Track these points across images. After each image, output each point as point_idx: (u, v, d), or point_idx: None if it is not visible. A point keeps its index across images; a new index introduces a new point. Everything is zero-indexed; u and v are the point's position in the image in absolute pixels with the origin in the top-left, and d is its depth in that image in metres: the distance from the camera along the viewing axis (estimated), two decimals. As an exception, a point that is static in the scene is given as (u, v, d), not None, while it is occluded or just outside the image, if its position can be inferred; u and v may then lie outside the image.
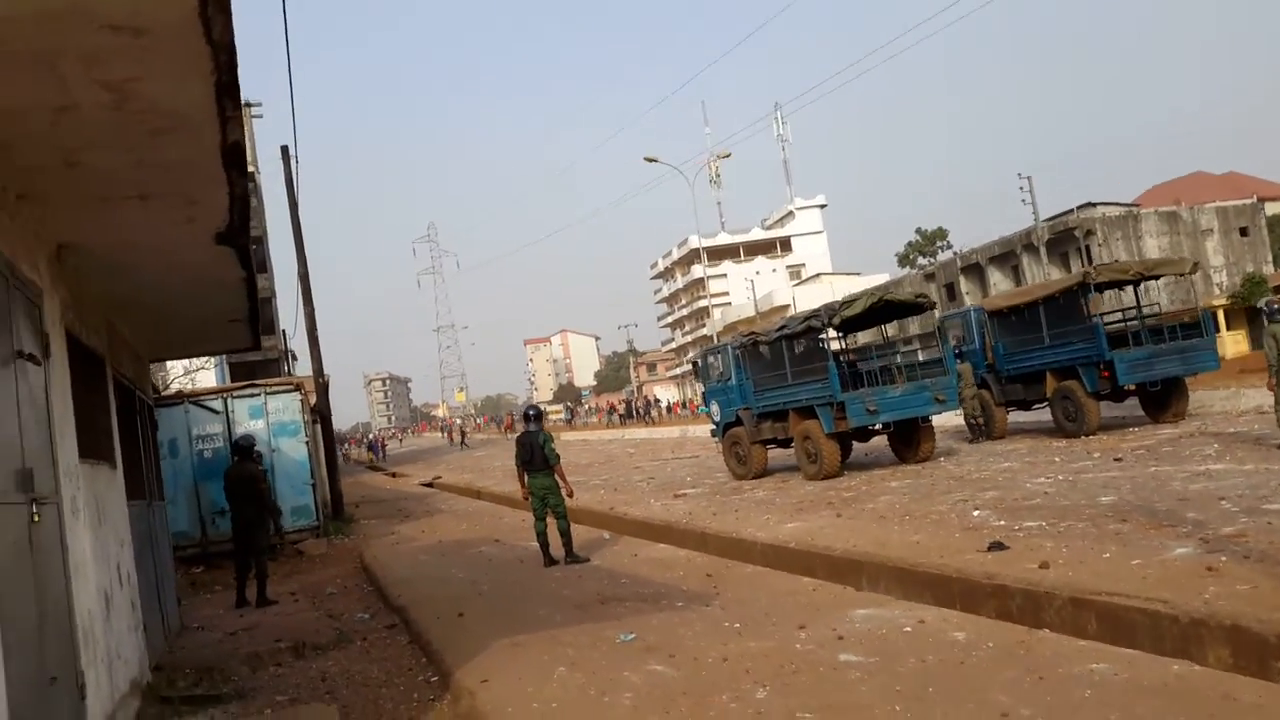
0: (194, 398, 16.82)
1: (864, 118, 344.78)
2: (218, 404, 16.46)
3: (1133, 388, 18.33)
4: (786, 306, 73.70)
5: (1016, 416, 20.75)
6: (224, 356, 32.43)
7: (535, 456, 12.03)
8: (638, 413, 68.38)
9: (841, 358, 17.33)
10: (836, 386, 15.76)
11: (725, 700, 5.64)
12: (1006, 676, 5.53)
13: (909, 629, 6.92)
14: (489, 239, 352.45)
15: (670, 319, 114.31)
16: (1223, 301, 43.75)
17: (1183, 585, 6.32)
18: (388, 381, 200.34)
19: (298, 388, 17.29)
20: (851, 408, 15.63)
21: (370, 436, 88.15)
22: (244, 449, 12.32)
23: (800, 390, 16.79)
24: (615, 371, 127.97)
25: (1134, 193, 63.30)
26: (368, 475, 47.86)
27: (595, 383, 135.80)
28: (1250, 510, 8.60)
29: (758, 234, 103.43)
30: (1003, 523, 9.84)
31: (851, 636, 6.84)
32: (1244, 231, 48.20)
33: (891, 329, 22.19)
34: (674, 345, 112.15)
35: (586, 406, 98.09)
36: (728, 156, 55.82)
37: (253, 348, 11.11)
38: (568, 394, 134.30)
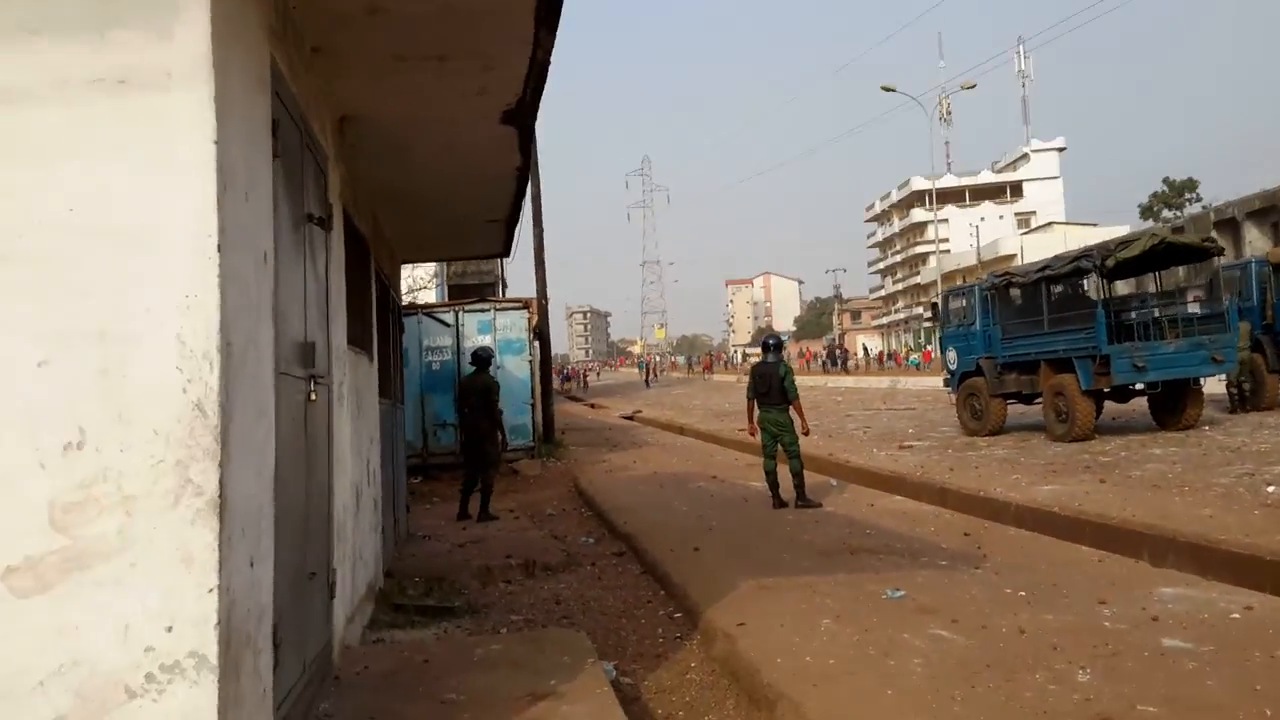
0: (427, 309, 16.92)
1: (1114, 55, 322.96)
2: (449, 316, 16.51)
3: None
4: (1013, 256, 69.67)
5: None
6: (444, 277, 33.11)
7: (773, 389, 11.29)
8: (838, 361, 66.76)
9: (1107, 306, 15.60)
10: (1103, 337, 14.19)
11: (1040, 680, 4.78)
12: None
13: (1237, 615, 5.84)
14: (701, 175, 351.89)
15: (882, 265, 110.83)
16: None
17: None
18: (588, 315, 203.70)
19: (525, 306, 17.16)
20: (1118, 362, 14.06)
21: (567, 368, 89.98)
22: (483, 360, 12.10)
23: (1057, 339, 15.28)
24: (817, 318, 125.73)
25: None
26: (568, 404, 48.57)
27: (795, 328, 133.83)
28: None
29: (987, 177, 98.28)
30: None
31: (1169, 619, 5.83)
32: None
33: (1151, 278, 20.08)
34: (883, 293, 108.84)
35: (787, 352, 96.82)
36: (973, 87, 52.48)
37: (502, 254, 10.79)
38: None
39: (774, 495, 11.32)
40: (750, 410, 11.67)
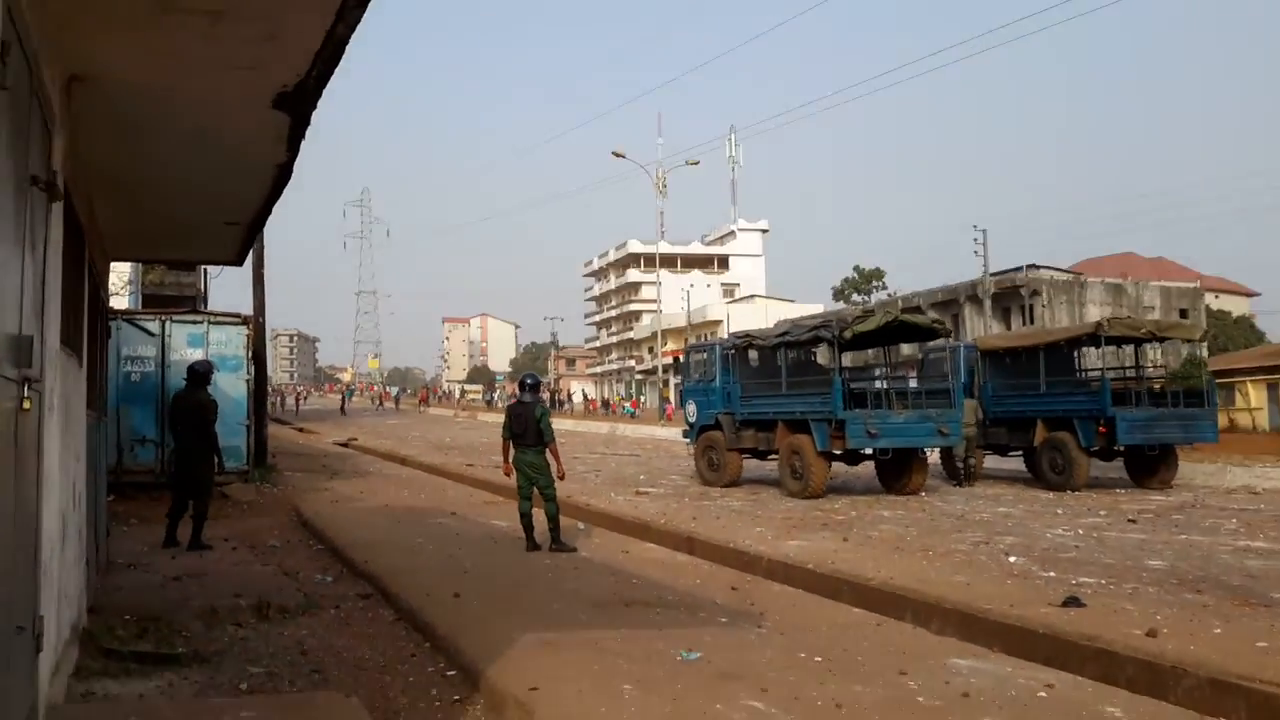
0: (128, 315, 15.04)
1: (816, 153, 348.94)
2: (154, 326, 14.73)
3: (1122, 449, 17.65)
4: (720, 321, 72.99)
5: (989, 462, 19.98)
6: (139, 284, 30.15)
7: (529, 430, 10.66)
8: (556, 404, 67.09)
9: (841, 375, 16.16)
10: (839, 403, 14.65)
11: (885, 764, 4.36)
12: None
13: (1043, 694, 5.72)
14: (425, 213, 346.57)
15: (598, 318, 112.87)
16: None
17: None
18: (295, 338, 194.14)
19: (245, 322, 15.64)
20: (852, 428, 14.55)
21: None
22: (200, 375, 10.73)
23: (795, 402, 15.69)
24: (532, 361, 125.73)
25: (1065, 262, 64.15)
26: (275, 428, 45.46)
27: (510, 369, 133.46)
28: (1348, 600, 7.71)
29: (697, 248, 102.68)
30: (1051, 574, 8.98)
31: (979, 695, 5.61)
32: (1184, 313, 48.80)
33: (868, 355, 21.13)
34: (598, 344, 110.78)
35: (500, 392, 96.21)
36: (696, 164, 54.58)
37: (234, 262, 9.51)
38: (482, 376, 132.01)
39: (528, 538, 10.63)
40: (505, 450, 10.97)
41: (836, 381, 15.05)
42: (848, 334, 15.20)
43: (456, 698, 5.53)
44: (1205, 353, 37.11)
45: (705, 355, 18.27)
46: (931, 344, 19.62)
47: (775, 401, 16.31)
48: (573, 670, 5.73)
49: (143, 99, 4.84)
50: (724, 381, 17.39)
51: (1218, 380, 25.64)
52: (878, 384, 16.82)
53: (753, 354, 17.66)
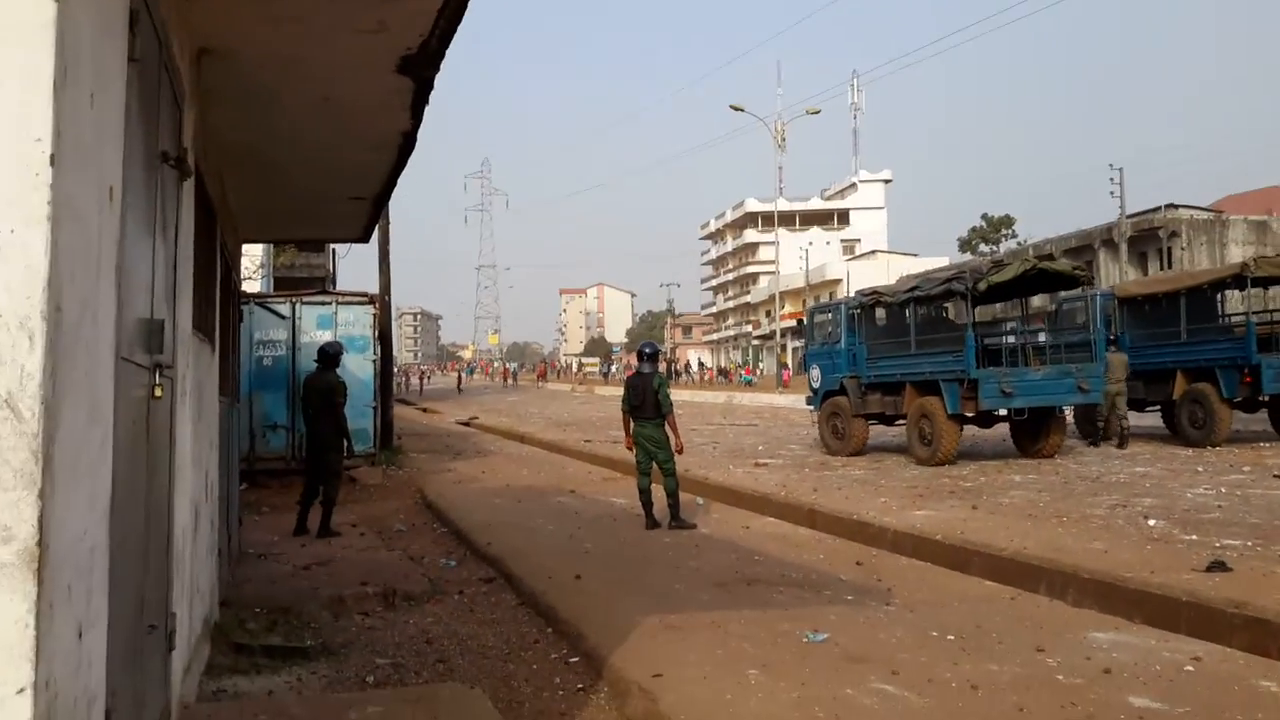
0: (260, 299, 15.39)
1: (940, 97, 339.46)
2: (285, 308, 15.00)
3: (1267, 399, 16.64)
4: (839, 281, 71.64)
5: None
6: (270, 267, 31.09)
7: (647, 402, 10.51)
8: (674, 374, 66.82)
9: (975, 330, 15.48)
10: (972, 361, 14.02)
11: (1027, 754, 4.14)
12: None
13: (1190, 669, 5.38)
14: (540, 183, 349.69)
15: (714, 282, 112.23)
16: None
17: None
18: (419, 317, 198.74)
19: (371, 301, 15.83)
20: (985, 387, 13.91)
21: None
22: (331, 356, 10.85)
23: (924, 362, 15.09)
24: (649, 330, 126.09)
25: (1205, 200, 60.75)
26: (399, 408, 46.62)
27: (627, 339, 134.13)
28: None
29: (817, 204, 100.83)
30: (1193, 537, 8.50)
31: (1121, 671, 5.31)
32: (1336, 250, 45.76)
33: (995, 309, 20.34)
34: (714, 309, 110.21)
35: (618, 364, 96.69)
36: (818, 112, 53.30)
37: (361, 239, 9.60)
38: (599, 348, 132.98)
39: (647, 515, 10.53)
40: (626, 423, 10.84)
41: (969, 337, 14.38)
42: (982, 285, 14.49)
43: (580, 686, 5.48)
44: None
45: (830, 316, 17.72)
46: (1065, 294, 18.77)
47: (903, 362, 15.75)
48: (696, 655, 5.63)
49: (270, 69, 4.85)
50: (849, 343, 16.82)
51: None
52: (1011, 339, 16.14)
53: (880, 312, 17.02)
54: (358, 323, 15.44)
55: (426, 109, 5.66)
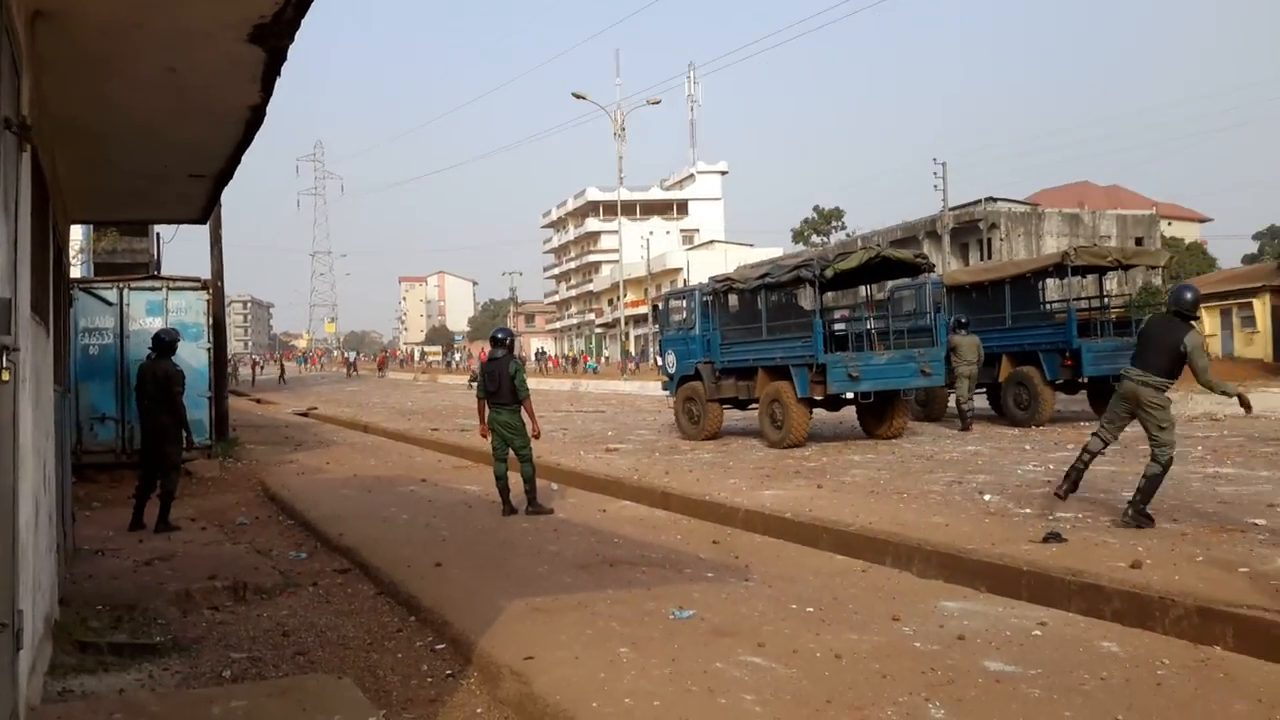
0: (84, 284, 14.50)
1: (773, 91, 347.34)
2: (112, 294, 14.16)
3: (1086, 381, 17.76)
4: (679, 270, 72.72)
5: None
6: (90, 252, 29.33)
7: (503, 387, 10.40)
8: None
9: (824, 316, 15.90)
10: (820, 346, 14.44)
11: (892, 716, 4.29)
12: (1239, 709, 4.35)
13: (1038, 633, 5.70)
14: (377, 168, 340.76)
15: (557, 271, 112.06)
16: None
17: None
18: (249, 305, 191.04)
19: (204, 287, 15.12)
20: (833, 371, 14.36)
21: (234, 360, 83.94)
22: (167, 344, 10.30)
23: (775, 347, 15.44)
24: (491, 319, 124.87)
25: (1022, 194, 64.43)
26: (231, 400, 44.70)
27: (469, 328, 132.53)
28: (1326, 524, 7.80)
29: (657, 194, 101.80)
30: (1028, 510, 9.03)
31: (975, 638, 5.58)
32: (1139, 241, 49.19)
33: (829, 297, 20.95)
34: (557, 298, 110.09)
35: (462, 353, 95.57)
36: (658, 103, 53.72)
37: (199, 219, 9.15)
38: (440, 336, 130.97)
39: (504, 502, 10.46)
40: (481, 410, 10.69)
41: (817, 324, 14.80)
42: (829, 273, 14.89)
43: (449, 673, 5.40)
44: (1162, 280, 37.42)
45: (684, 302, 17.89)
46: (895, 283, 19.53)
47: (755, 347, 16.07)
48: (566, 636, 5.63)
49: (110, 36, 4.55)
50: (703, 329, 17.02)
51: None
52: (845, 325, 16.67)
53: (732, 299, 17.31)
54: (190, 309, 14.75)
55: (278, 81, 5.44)
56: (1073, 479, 8.60)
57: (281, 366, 68.51)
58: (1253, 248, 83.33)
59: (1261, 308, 41.22)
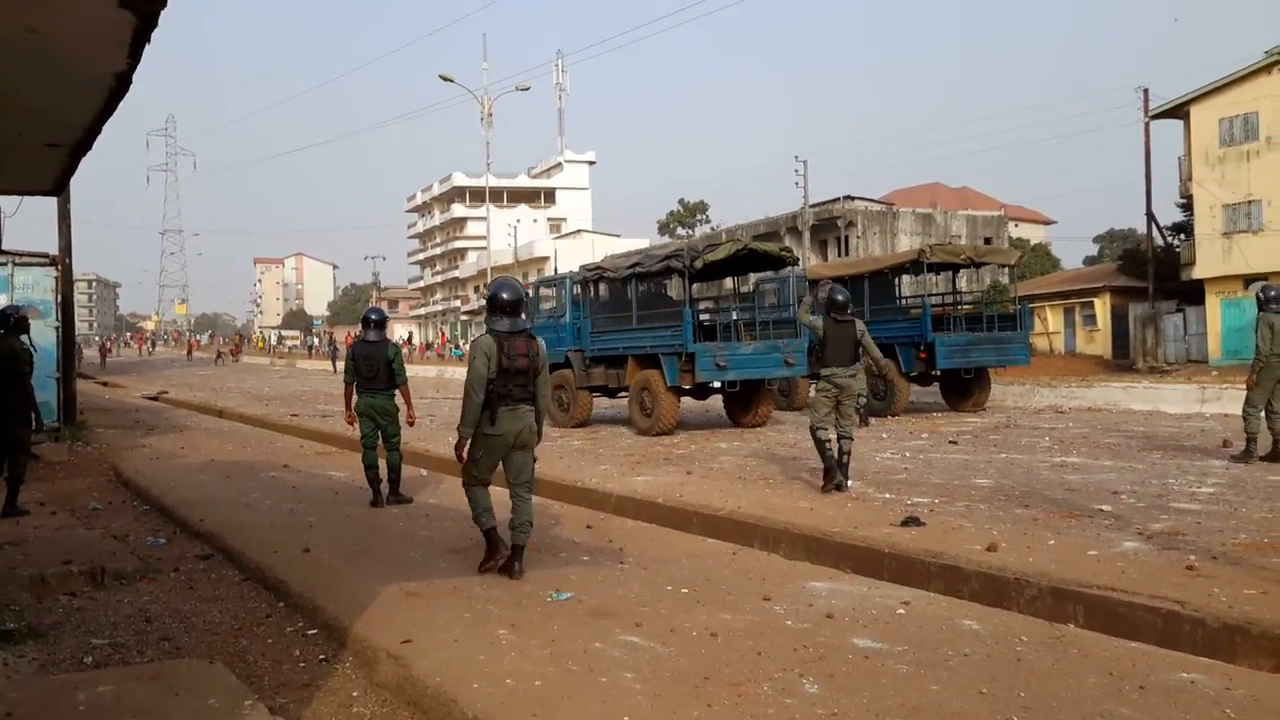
0: (-79, 257, 13.64)
1: (641, 82, 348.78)
2: (-47, 269, 13.40)
3: (939, 373, 18.54)
4: (547, 258, 72.54)
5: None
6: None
7: (380, 372, 10.09)
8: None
9: (693, 306, 16.18)
10: (689, 335, 14.67)
11: (771, 693, 4.43)
12: (1093, 682, 4.63)
13: (902, 612, 5.95)
14: (232, 145, 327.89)
15: (421, 256, 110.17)
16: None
17: (1178, 584, 5.79)
18: (94, 284, 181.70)
19: (54, 263, 14.39)
20: (701, 360, 14.61)
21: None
22: (14, 321, 9.76)
23: (645, 336, 15.62)
24: (352, 303, 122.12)
25: (877, 193, 66.64)
26: (78, 382, 42.57)
27: (329, 312, 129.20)
28: (1159, 507, 8.46)
29: (524, 181, 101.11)
30: (888, 495, 9.44)
31: (843, 616, 5.79)
32: (988, 241, 51.38)
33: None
34: (422, 284, 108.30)
35: (323, 338, 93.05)
36: (527, 89, 53.24)
37: (54, 191, 8.69)
38: (298, 320, 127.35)
39: (375, 492, 10.06)
40: (349, 396, 10.38)
41: (687, 313, 15.03)
42: (698, 263, 15.14)
43: (322, 657, 5.31)
44: (1009, 279, 39.26)
45: (554, 290, 17.93)
46: (759, 275, 19.97)
47: (625, 336, 16.23)
48: (443, 619, 5.60)
49: None
50: (574, 317, 17.09)
51: (1018, 306, 27.21)
52: (712, 316, 16.98)
53: (603, 287, 17.46)
54: (37, 286, 14.06)
55: (147, 48, 5.24)
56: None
57: (102, 350, 65.29)
58: (1093, 250, 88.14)
59: (1102, 307, 43.77)
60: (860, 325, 10.09)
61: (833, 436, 9.90)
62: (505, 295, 6.78)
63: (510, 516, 6.90)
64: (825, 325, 9.95)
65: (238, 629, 5.88)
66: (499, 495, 7.13)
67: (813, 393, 10.35)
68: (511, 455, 6.93)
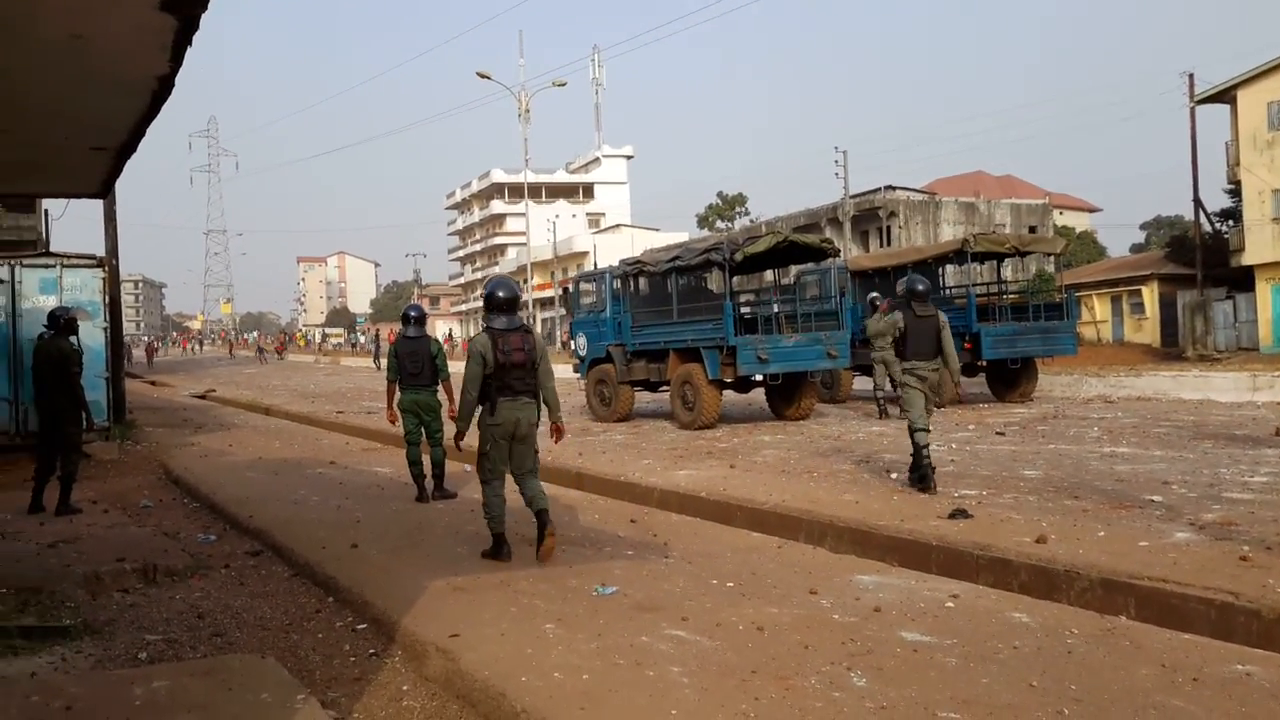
0: (-29, 260, 13.91)
1: (679, 76, 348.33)
2: (3, 271, 13.62)
3: (985, 363, 18.33)
4: (586, 253, 72.65)
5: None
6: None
7: (424, 369, 10.17)
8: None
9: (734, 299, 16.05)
10: (730, 329, 14.60)
11: (818, 686, 4.41)
12: (1144, 674, 4.57)
13: (951, 605, 5.89)
14: (274, 146, 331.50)
15: (462, 253, 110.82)
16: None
17: (1232, 575, 5.69)
18: (141, 285, 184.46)
19: (100, 264, 14.61)
20: (743, 354, 14.53)
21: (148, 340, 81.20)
22: (64, 322, 9.95)
23: (686, 330, 15.57)
24: (394, 300, 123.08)
25: (920, 182, 66.06)
26: (127, 381, 43.29)
27: (371, 310, 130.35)
28: (1211, 497, 8.29)
29: (563, 177, 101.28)
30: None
31: (890, 610, 5.75)
32: (1032, 230, 50.77)
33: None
34: (463, 280, 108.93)
35: (367, 335, 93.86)
36: (563, 85, 53.34)
37: (100, 194, 8.83)
38: (342, 318, 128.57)
39: (419, 487, 10.16)
40: (390, 394, 10.48)
41: (727, 306, 14.95)
42: (738, 256, 15.02)
43: (372, 651, 5.37)
44: (1056, 268, 38.84)
45: (594, 285, 17.90)
46: (800, 267, 19.85)
47: (666, 330, 16.19)
48: (490, 614, 5.64)
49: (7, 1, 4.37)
50: (614, 311, 17.06)
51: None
52: (753, 309, 16.89)
53: (643, 282, 17.42)
54: (85, 287, 14.25)
55: (189, 51, 5.29)
56: None
57: (149, 349, 66.26)
58: (1140, 237, 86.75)
59: (1150, 295, 43.06)
60: (943, 318, 9.42)
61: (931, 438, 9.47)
62: (501, 294, 7.24)
63: (523, 497, 7.38)
64: (905, 318, 9.35)
65: (288, 624, 5.95)
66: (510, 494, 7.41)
67: (898, 390, 10.02)
68: (513, 448, 7.27)
